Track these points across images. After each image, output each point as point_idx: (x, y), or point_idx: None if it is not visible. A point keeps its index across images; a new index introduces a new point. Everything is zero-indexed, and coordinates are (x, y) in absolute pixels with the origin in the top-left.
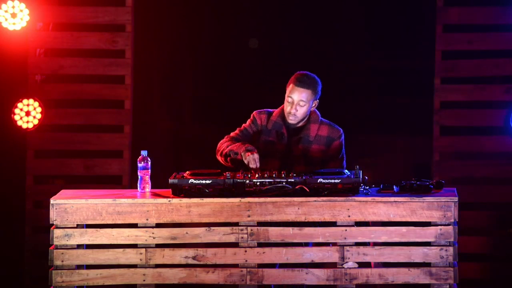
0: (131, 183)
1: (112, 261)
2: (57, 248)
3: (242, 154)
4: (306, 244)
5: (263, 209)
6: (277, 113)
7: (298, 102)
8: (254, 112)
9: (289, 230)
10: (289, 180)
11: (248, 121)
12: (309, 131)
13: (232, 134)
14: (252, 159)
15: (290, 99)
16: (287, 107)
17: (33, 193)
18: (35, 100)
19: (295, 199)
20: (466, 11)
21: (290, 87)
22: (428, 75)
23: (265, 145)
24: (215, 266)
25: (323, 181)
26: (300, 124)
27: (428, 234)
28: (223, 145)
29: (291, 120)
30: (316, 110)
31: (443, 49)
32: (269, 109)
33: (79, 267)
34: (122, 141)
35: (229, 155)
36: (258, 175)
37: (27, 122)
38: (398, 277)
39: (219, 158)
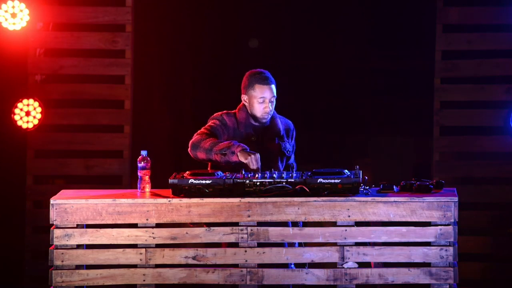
0: (131, 183)
1: (112, 261)
2: (57, 248)
3: (239, 153)
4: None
5: (263, 209)
6: (242, 113)
7: (270, 99)
8: (221, 113)
9: (289, 230)
10: (289, 180)
11: (215, 121)
12: (277, 126)
13: (202, 131)
14: (254, 160)
15: (261, 99)
16: (260, 108)
17: (33, 193)
18: (35, 100)
19: (295, 199)
20: (466, 11)
21: (257, 87)
22: (428, 75)
23: None
24: (215, 266)
25: (323, 181)
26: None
27: (428, 234)
28: (206, 142)
29: (266, 118)
30: None
31: (443, 49)
32: (229, 111)
33: (79, 267)
34: (122, 141)
35: (223, 153)
36: (258, 175)
37: (27, 122)
38: (398, 277)
39: (198, 153)
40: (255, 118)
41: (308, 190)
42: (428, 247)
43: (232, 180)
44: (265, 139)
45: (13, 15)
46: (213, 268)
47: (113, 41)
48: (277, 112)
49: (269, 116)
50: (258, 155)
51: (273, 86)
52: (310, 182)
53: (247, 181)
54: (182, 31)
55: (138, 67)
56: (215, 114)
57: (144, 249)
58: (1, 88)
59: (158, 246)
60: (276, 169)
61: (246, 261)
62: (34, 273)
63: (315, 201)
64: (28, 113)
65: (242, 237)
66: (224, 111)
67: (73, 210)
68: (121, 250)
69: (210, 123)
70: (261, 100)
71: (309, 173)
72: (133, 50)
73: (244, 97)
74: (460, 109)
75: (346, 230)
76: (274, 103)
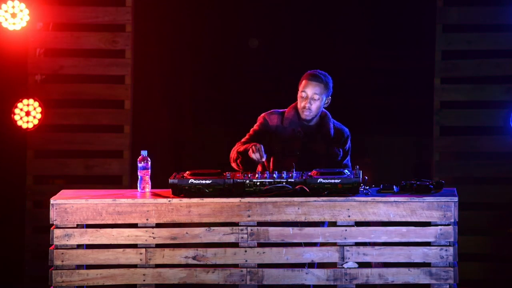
0: (131, 183)
1: (112, 261)
2: (57, 248)
3: (250, 149)
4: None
5: (263, 209)
6: (291, 111)
7: (312, 96)
8: (263, 114)
9: (289, 230)
10: (289, 180)
11: (258, 124)
12: (329, 130)
13: (243, 139)
14: (256, 149)
15: (304, 94)
16: (301, 103)
17: (33, 193)
18: (35, 100)
19: (295, 199)
20: (466, 11)
21: (303, 82)
22: (428, 75)
23: (283, 143)
24: (215, 266)
25: (323, 181)
26: (314, 123)
27: (428, 234)
28: (234, 151)
29: (306, 115)
30: (326, 111)
31: (443, 49)
32: (277, 109)
33: (79, 267)
34: (122, 141)
35: (242, 155)
36: (258, 175)
37: (27, 122)
38: (398, 277)
39: (233, 164)
40: (299, 115)
41: (308, 190)
42: (428, 247)
43: (232, 180)
44: (311, 139)
45: (13, 15)
46: (213, 268)
47: (113, 41)
48: (278, 111)
49: (310, 113)
50: (261, 145)
51: (320, 85)
52: (310, 182)
53: (247, 181)
54: (182, 31)
55: (138, 67)
56: (262, 114)
57: (144, 249)
58: (1, 88)
59: (158, 246)
60: None
61: (246, 261)
62: (34, 273)
63: (315, 201)
64: (28, 113)
65: (242, 237)
66: (271, 110)
67: (73, 210)
68: (121, 250)
69: (254, 126)
70: (303, 95)
71: (309, 173)
72: (133, 50)
73: (298, 93)
74: (460, 109)
75: (346, 230)
76: (319, 104)
